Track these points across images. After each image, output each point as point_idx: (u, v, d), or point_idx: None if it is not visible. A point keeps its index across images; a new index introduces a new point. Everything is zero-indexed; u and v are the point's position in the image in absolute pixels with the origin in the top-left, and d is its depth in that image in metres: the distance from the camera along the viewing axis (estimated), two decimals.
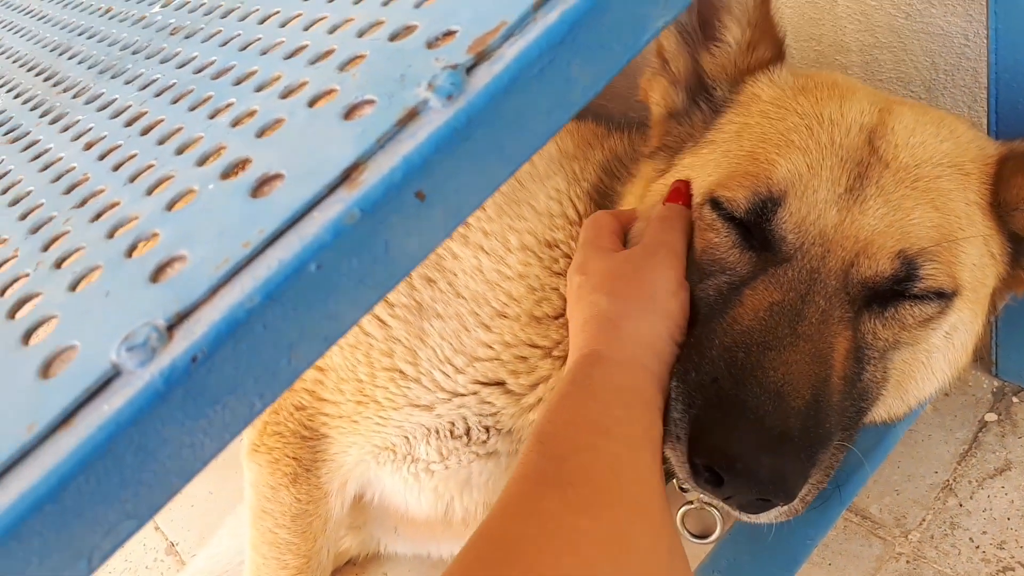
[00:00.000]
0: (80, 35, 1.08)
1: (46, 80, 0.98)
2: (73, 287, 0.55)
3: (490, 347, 1.31)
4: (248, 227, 0.51)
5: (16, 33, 1.25)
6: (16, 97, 0.98)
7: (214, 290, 0.48)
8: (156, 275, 0.51)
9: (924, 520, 1.50)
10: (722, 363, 0.97)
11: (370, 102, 0.58)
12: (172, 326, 0.47)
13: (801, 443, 0.92)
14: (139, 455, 0.45)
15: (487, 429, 1.36)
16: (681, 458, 0.98)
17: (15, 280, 0.60)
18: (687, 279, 1.10)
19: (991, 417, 1.61)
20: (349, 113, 0.58)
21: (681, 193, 1.15)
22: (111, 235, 0.59)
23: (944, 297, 1.03)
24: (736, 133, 1.16)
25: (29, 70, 1.05)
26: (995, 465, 1.54)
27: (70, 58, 1.01)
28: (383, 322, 1.34)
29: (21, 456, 0.44)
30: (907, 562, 1.45)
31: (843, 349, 0.99)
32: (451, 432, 1.36)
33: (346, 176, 0.53)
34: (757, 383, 0.94)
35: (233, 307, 0.47)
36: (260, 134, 0.62)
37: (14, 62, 1.11)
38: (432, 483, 1.42)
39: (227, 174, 0.59)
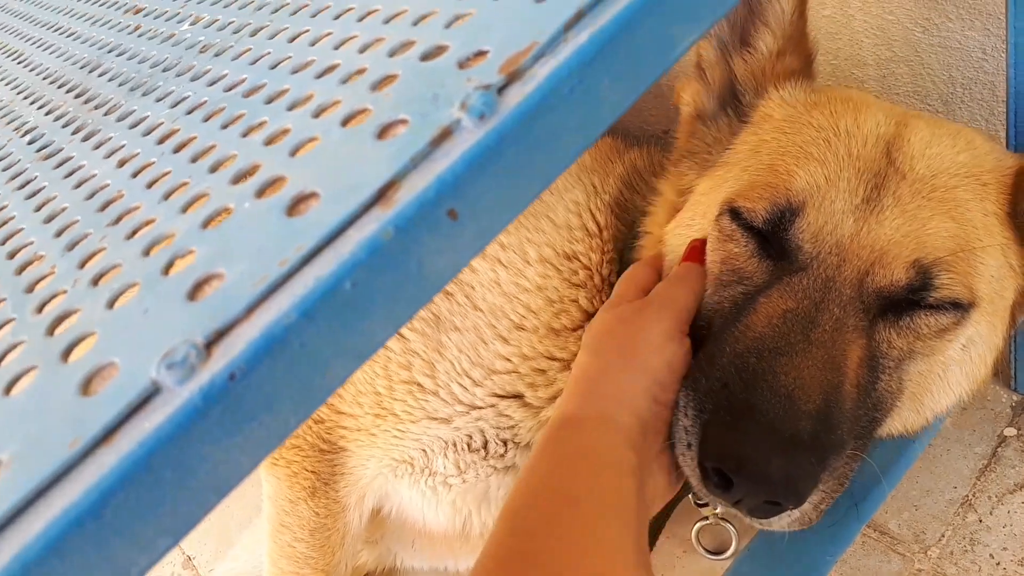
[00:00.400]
0: (110, 52, 1.09)
1: (77, 97, 0.99)
2: (111, 304, 0.56)
3: (508, 360, 1.32)
4: (285, 245, 0.52)
5: (46, 50, 1.26)
6: (48, 114, 0.99)
7: (252, 308, 0.49)
8: (194, 292, 0.52)
9: (943, 536, 1.50)
10: (733, 369, 0.98)
11: (403, 122, 0.59)
12: (211, 343, 0.48)
13: (811, 446, 0.92)
14: (178, 472, 0.46)
15: (505, 442, 1.37)
16: (692, 464, 0.99)
17: (53, 296, 0.61)
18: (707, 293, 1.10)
19: (1010, 432, 1.61)
20: (382, 132, 0.59)
21: (697, 251, 1.16)
22: (147, 252, 0.60)
23: (960, 308, 1.03)
24: (753, 149, 1.17)
25: (60, 87, 1.06)
26: (1015, 480, 1.54)
27: (100, 75, 1.02)
28: (401, 335, 1.35)
29: (64, 472, 0.44)
30: None
31: (856, 357, 0.99)
32: (469, 445, 1.37)
33: (381, 195, 0.53)
34: (767, 387, 0.94)
35: (270, 324, 0.48)
36: (294, 153, 0.62)
37: (44, 79, 1.12)
38: (450, 497, 1.43)
39: (262, 192, 0.59)
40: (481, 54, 0.62)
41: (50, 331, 0.57)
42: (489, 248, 1.36)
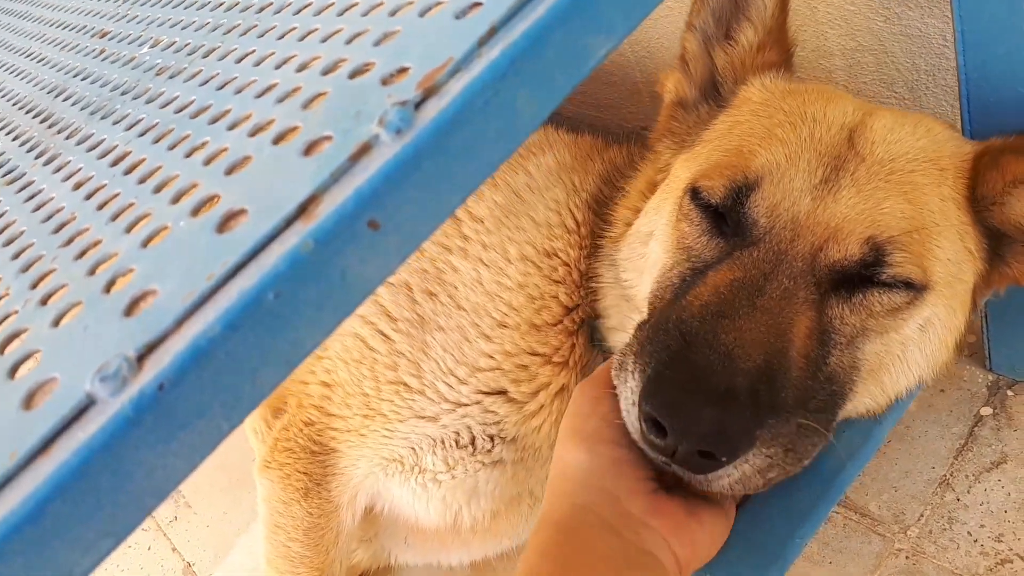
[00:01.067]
0: (75, 77, 1.13)
1: (43, 122, 1.03)
2: (56, 322, 0.60)
3: (491, 357, 1.35)
4: (213, 261, 0.55)
5: (17, 76, 1.30)
6: (15, 140, 1.03)
7: (180, 321, 0.52)
8: (130, 309, 0.56)
9: (922, 516, 1.52)
10: (677, 332, 0.99)
11: (327, 138, 0.62)
12: (142, 357, 0.51)
13: (748, 403, 0.93)
14: (114, 478, 0.49)
15: (491, 438, 1.39)
16: (635, 420, 1.00)
17: (5, 317, 0.65)
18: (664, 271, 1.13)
19: (986, 411, 1.62)
20: (309, 149, 0.62)
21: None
22: (92, 272, 0.63)
23: (912, 288, 1.05)
24: (727, 130, 1.20)
25: (28, 112, 1.10)
26: (991, 459, 1.56)
27: (65, 100, 1.06)
28: (387, 336, 1.38)
29: (3, 483, 0.48)
30: (906, 558, 1.47)
31: (804, 328, 1.00)
32: (456, 442, 1.40)
33: (303, 209, 0.57)
34: (707, 344, 0.96)
35: (196, 336, 0.51)
36: (229, 171, 0.66)
37: (14, 105, 1.16)
38: (440, 493, 1.45)
39: (197, 211, 0.63)
40: (403, 71, 0.65)
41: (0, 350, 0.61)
42: (471, 248, 1.39)
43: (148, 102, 0.90)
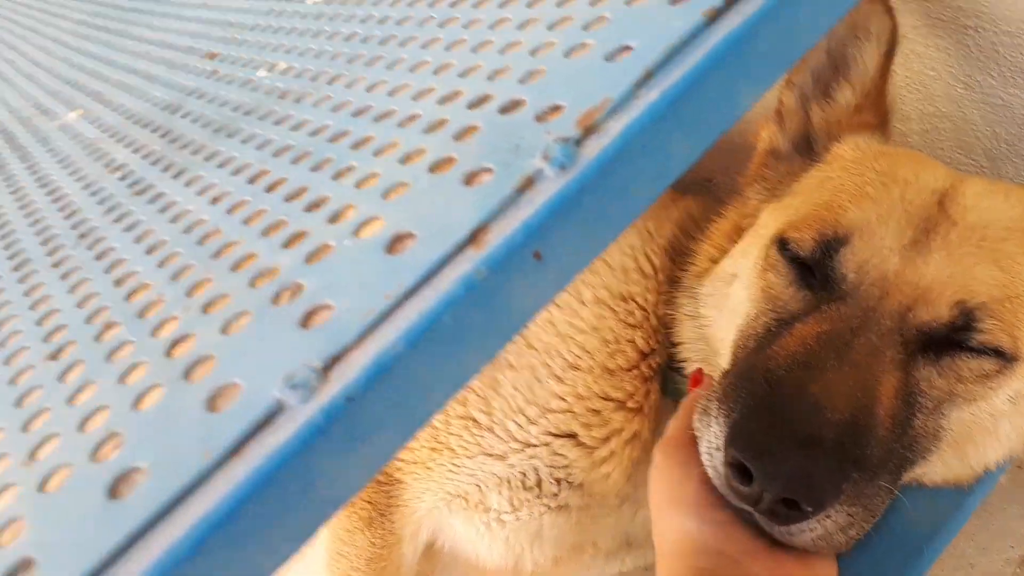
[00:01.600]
0: (189, 95, 1.15)
1: (162, 137, 1.05)
2: (224, 330, 0.61)
3: (562, 399, 1.35)
4: (387, 280, 0.57)
5: (126, 92, 1.33)
6: (135, 152, 1.04)
7: (362, 337, 0.54)
8: (305, 321, 0.58)
9: None
10: (763, 380, 0.99)
11: (488, 170, 0.64)
12: (327, 368, 0.53)
13: (833, 452, 0.93)
14: (301, 484, 0.51)
15: (558, 481, 1.39)
16: (720, 465, 1.00)
17: (165, 322, 0.67)
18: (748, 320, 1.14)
19: None
20: (469, 179, 0.64)
21: (697, 380, 1.22)
22: (253, 284, 0.65)
23: (1002, 356, 1.04)
24: (818, 184, 1.21)
25: (144, 127, 1.12)
26: None
27: (183, 116, 1.09)
28: None
29: (201, 480, 0.49)
30: None
31: (891, 387, 1.00)
32: (523, 483, 1.39)
33: (473, 237, 0.59)
34: (794, 393, 0.96)
35: (380, 353, 0.53)
36: (386, 195, 0.68)
37: (127, 119, 1.19)
38: (503, 533, 1.45)
39: (359, 231, 0.65)
40: (557, 108, 0.67)
41: (168, 353, 0.63)
42: None
43: (276, 123, 0.92)
